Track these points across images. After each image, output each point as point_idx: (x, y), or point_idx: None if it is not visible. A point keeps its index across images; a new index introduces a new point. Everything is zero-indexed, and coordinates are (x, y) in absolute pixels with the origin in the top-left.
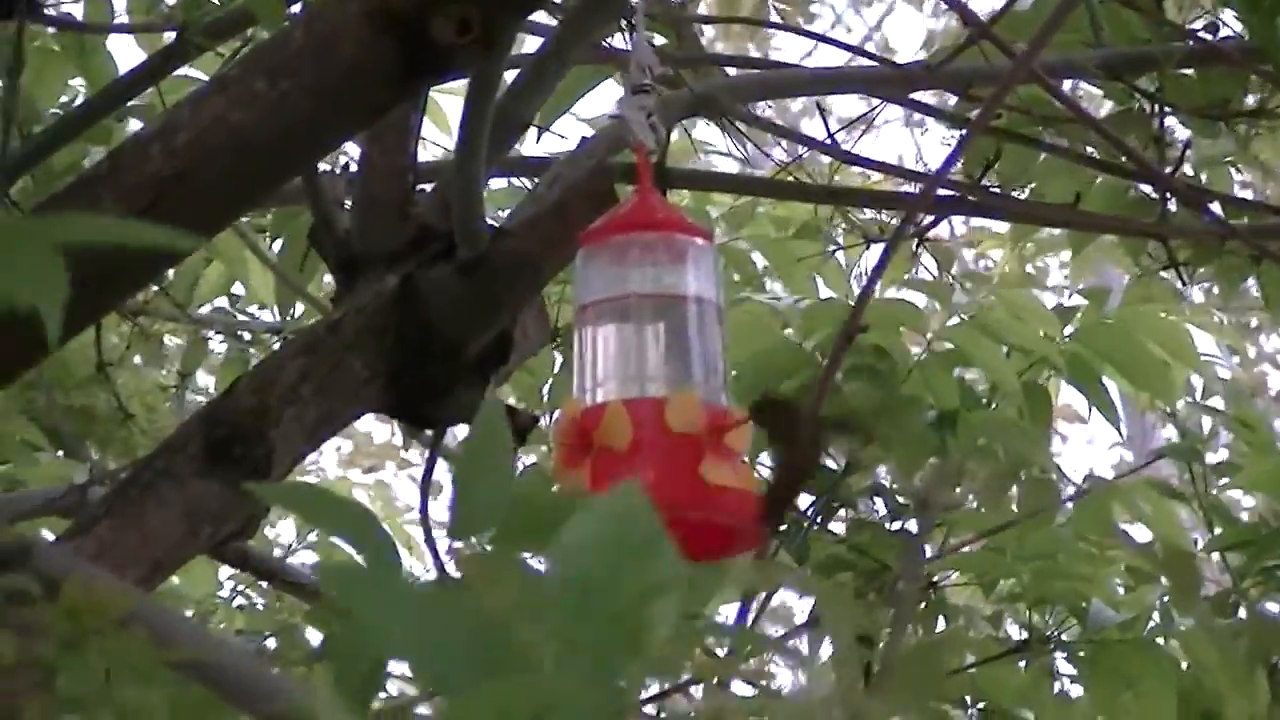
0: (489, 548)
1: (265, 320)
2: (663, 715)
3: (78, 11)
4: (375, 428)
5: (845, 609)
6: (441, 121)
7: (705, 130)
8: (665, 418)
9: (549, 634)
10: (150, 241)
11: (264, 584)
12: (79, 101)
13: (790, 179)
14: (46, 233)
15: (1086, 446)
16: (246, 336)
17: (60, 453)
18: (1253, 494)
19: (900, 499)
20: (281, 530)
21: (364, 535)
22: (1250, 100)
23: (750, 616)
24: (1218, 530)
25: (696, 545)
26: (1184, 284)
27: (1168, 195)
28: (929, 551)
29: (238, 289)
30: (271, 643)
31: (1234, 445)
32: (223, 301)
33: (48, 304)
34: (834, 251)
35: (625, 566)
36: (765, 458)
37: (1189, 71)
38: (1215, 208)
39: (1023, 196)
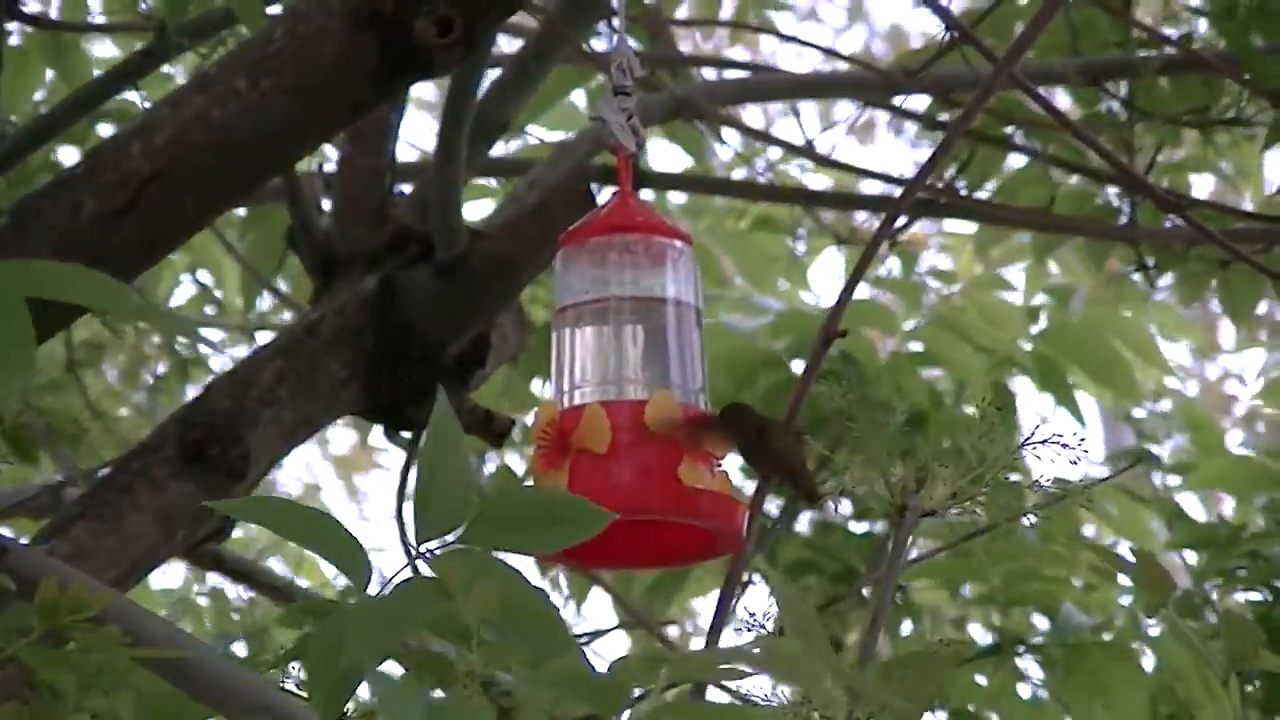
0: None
1: (234, 320)
2: None
3: (53, 12)
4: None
5: (809, 616)
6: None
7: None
8: (644, 420)
9: None
10: (102, 300)
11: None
12: (53, 102)
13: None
14: (10, 283)
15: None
16: (216, 338)
17: (20, 460)
18: (1209, 492)
19: (867, 502)
20: (256, 532)
21: (331, 543)
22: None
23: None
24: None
25: (675, 546)
26: (1151, 288)
27: (1136, 200)
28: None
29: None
30: (242, 645)
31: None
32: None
33: (16, 365)
34: (804, 253)
35: None
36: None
37: (1162, 80)
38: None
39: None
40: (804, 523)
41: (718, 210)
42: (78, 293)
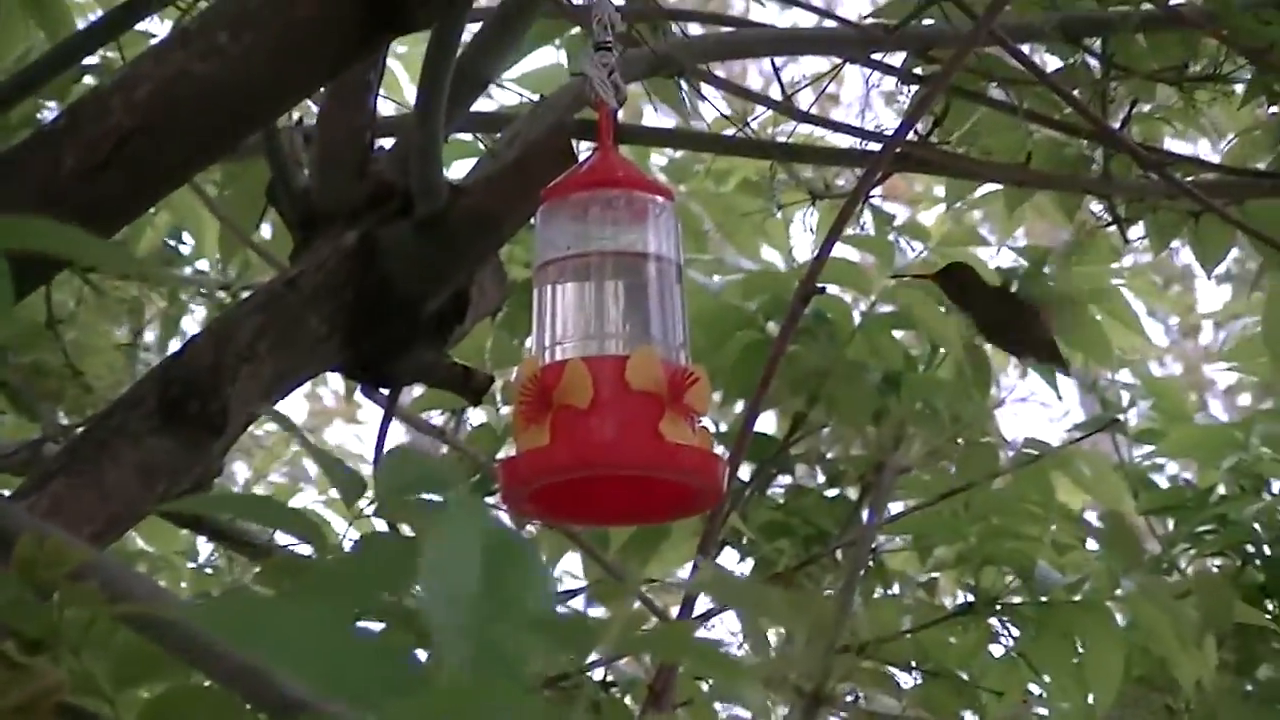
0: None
1: (215, 277)
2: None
3: None
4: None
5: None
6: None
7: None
8: (626, 375)
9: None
10: (75, 251)
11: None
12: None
13: (745, 135)
14: None
15: (1042, 410)
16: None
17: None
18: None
19: (840, 465)
20: (234, 488)
21: (288, 522)
22: (1196, 66)
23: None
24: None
25: (655, 503)
26: (1126, 241)
27: (1111, 153)
28: (868, 516)
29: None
30: None
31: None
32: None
33: None
34: (780, 209)
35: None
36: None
37: (1139, 36)
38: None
39: (970, 154)
40: (776, 486)
41: (699, 175)
42: (58, 246)
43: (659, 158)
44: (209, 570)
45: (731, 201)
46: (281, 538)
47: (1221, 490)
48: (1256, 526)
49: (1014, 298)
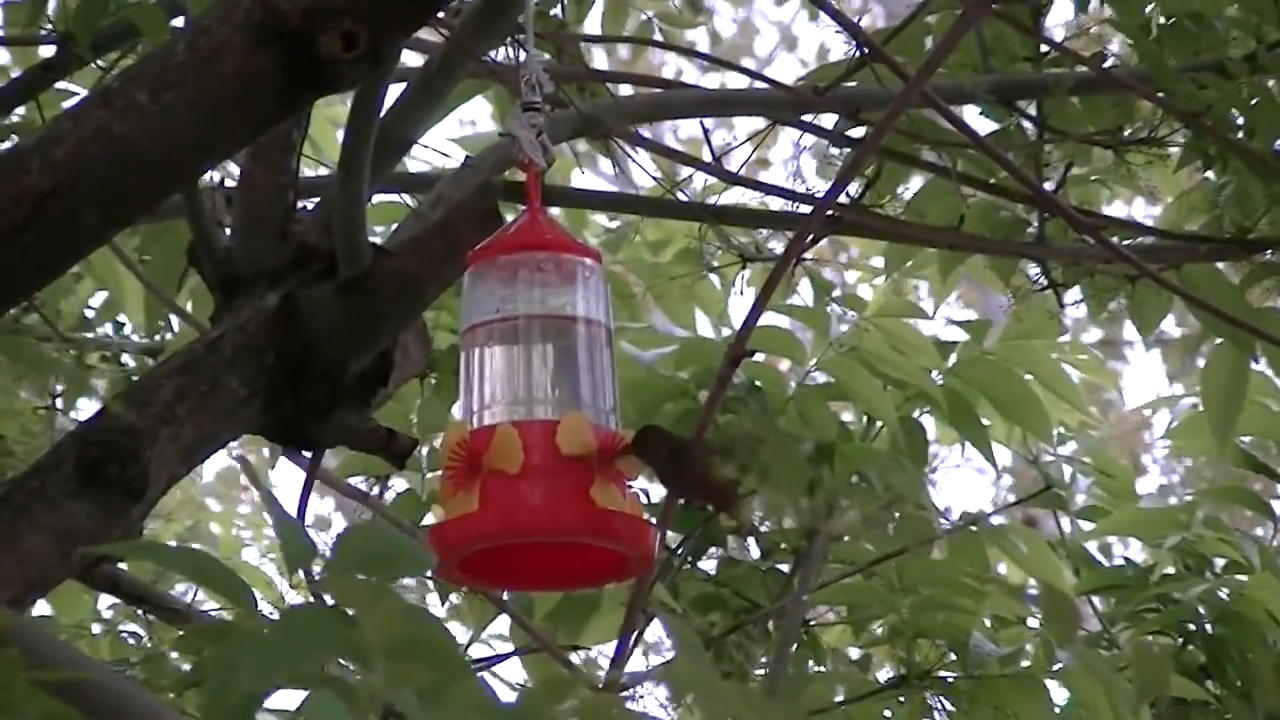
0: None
1: (140, 340)
2: None
3: None
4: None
5: (700, 650)
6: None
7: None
8: (556, 440)
9: None
10: None
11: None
12: None
13: (673, 198)
14: None
15: (973, 479)
16: (127, 360)
17: None
18: (1118, 539)
19: (773, 538)
20: None
21: (215, 578)
22: (1128, 127)
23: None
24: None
25: (585, 568)
26: (1061, 306)
27: (1046, 217)
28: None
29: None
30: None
31: (1096, 489)
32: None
33: None
34: (710, 271)
35: None
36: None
37: (1073, 99)
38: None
39: (902, 218)
40: (708, 558)
41: (636, 245)
42: None
43: (597, 227)
44: (130, 639)
45: (667, 270)
46: (202, 601)
47: (1166, 569)
48: (1200, 607)
49: (693, 447)
